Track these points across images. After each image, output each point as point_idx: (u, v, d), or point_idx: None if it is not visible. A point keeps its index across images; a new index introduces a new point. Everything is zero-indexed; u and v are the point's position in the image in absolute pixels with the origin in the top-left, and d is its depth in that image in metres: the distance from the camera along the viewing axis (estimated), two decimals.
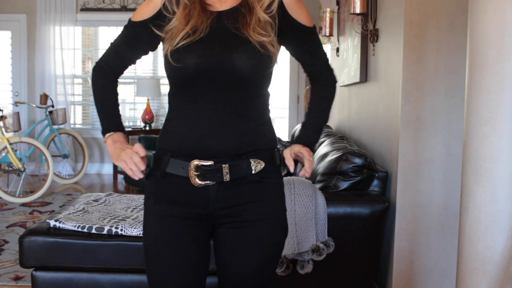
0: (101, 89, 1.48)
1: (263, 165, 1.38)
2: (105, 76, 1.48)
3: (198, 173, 1.34)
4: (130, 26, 1.43)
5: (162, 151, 1.40)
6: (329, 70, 1.54)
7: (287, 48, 1.48)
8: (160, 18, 1.38)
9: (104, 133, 1.45)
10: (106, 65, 1.48)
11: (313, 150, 1.51)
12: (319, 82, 1.53)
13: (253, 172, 1.37)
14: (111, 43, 1.49)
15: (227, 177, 1.34)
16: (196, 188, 1.36)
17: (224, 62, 1.31)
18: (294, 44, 1.45)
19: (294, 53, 1.49)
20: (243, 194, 1.38)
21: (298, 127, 4.47)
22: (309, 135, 1.51)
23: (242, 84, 1.34)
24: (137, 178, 1.37)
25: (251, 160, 1.36)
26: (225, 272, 1.44)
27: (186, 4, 1.35)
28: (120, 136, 1.44)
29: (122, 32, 1.46)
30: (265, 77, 1.39)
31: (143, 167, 1.35)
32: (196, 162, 1.34)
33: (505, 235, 1.36)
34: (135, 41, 1.44)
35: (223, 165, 1.34)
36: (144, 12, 1.40)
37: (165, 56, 1.36)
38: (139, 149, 1.34)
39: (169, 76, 1.39)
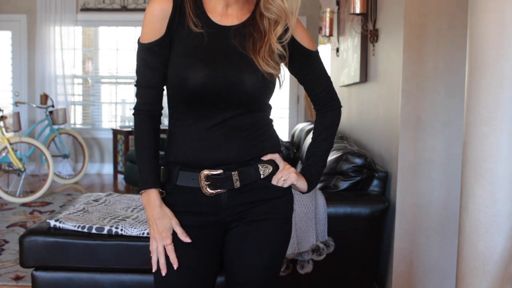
0: (142, 134, 1.39)
1: (271, 169, 1.41)
2: (149, 117, 1.39)
3: (209, 182, 1.35)
4: (143, 50, 1.36)
5: (170, 164, 1.40)
6: (333, 95, 1.52)
7: (290, 71, 1.48)
8: (165, 42, 1.35)
9: (140, 187, 1.40)
10: (145, 104, 1.39)
11: (319, 177, 1.52)
12: (323, 108, 1.52)
13: (262, 176, 1.39)
14: (137, 81, 1.40)
15: (237, 184, 1.36)
16: (207, 196, 1.37)
17: (231, 84, 1.31)
18: (297, 67, 1.46)
19: (297, 76, 1.49)
20: (252, 198, 1.40)
21: (299, 127, 4.48)
22: (315, 163, 1.51)
23: (246, 102, 1.35)
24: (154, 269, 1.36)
25: (259, 165, 1.39)
26: (233, 273, 1.43)
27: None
28: (155, 195, 1.38)
29: (139, 60, 1.38)
30: (270, 94, 1.41)
31: (171, 259, 1.35)
32: (206, 172, 1.35)
33: (505, 235, 1.36)
34: (154, 60, 1.35)
35: (232, 173, 1.35)
36: (154, 32, 1.34)
37: (170, 78, 1.34)
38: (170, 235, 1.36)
39: (172, 92, 1.37)
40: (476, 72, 1.39)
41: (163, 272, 1.34)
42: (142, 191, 1.38)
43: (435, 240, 2.48)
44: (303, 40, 1.43)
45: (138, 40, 1.37)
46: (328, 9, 4.07)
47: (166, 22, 1.33)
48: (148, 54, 1.35)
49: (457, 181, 2.39)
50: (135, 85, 1.40)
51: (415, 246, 2.49)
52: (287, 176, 1.42)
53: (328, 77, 1.52)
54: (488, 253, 1.37)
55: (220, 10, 1.36)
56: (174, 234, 1.37)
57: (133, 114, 1.41)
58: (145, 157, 1.38)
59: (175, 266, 1.34)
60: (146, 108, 1.39)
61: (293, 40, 1.40)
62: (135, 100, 1.42)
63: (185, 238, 1.35)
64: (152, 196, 1.37)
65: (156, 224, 1.36)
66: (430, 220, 2.47)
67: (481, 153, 1.38)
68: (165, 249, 1.35)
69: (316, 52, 1.47)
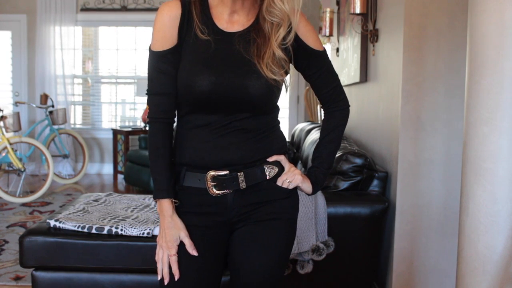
0: (157, 143, 1.39)
1: (277, 170, 1.42)
2: (163, 125, 1.39)
3: (215, 183, 1.36)
4: (155, 57, 1.36)
5: (177, 165, 1.41)
6: (340, 94, 1.52)
7: (296, 69, 1.48)
8: (178, 49, 1.36)
9: (153, 196, 1.41)
10: (161, 112, 1.38)
11: (325, 179, 1.51)
12: (330, 107, 1.51)
13: (267, 177, 1.40)
14: (150, 89, 1.39)
15: (243, 185, 1.37)
16: (214, 197, 1.38)
17: (236, 90, 1.32)
18: (302, 66, 1.45)
19: (304, 75, 1.49)
20: (258, 198, 1.41)
21: (299, 127, 4.48)
22: (320, 165, 1.50)
23: (253, 106, 1.36)
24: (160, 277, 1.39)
25: (264, 166, 1.39)
26: (238, 272, 1.44)
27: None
28: (168, 205, 1.38)
29: (151, 67, 1.37)
30: (276, 98, 1.41)
31: (174, 270, 1.37)
32: (212, 172, 1.36)
33: (505, 235, 1.36)
34: (169, 67, 1.36)
35: (238, 174, 1.36)
36: (165, 39, 1.35)
37: (178, 83, 1.35)
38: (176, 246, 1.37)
39: (179, 96, 1.37)
40: (476, 72, 1.39)
41: (166, 281, 1.36)
42: (156, 200, 1.40)
43: (435, 240, 2.48)
44: (308, 39, 1.41)
45: (150, 47, 1.37)
46: (328, 9, 4.07)
47: (177, 29, 1.35)
48: (161, 61, 1.35)
49: (457, 181, 2.39)
50: (147, 94, 1.40)
51: (415, 246, 2.49)
52: (292, 178, 1.43)
53: (336, 77, 1.51)
54: (488, 253, 1.37)
55: (227, 17, 1.37)
56: (182, 245, 1.38)
57: (148, 123, 1.41)
58: (160, 166, 1.39)
59: (176, 277, 1.35)
60: (162, 116, 1.38)
61: (297, 39, 1.39)
62: (150, 108, 1.40)
63: (193, 251, 1.36)
64: (165, 206, 1.38)
65: (165, 233, 1.37)
66: (430, 220, 2.47)
67: (481, 153, 1.38)
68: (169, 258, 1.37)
69: (322, 52, 1.45)
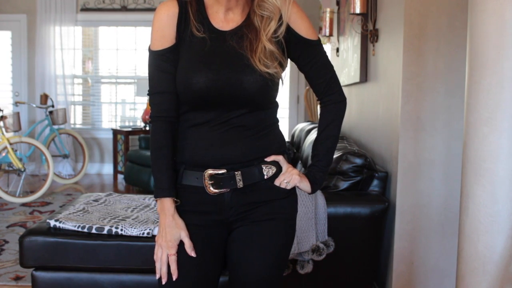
0: (159, 142, 1.39)
1: (275, 170, 1.42)
2: (166, 124, 1.39)
3: (212, 181, 1.37)
4: (155, 57, 1.37)
5: (176, 164, 1.41)
6: (334, 87, 1.48)
7: (291, 60, 1.47)
8: (177, 48, 1.37)
9: (154, 195, 1.40)
10: (163, 110, 1.38)
11: (324, 177, 1.49)
12: (323, 100, 1.48)
13: (265, 177, 1.40)
14: (151, 89, 1.39)
15: (240, 184, 1.37)
16: (211, 196, 1.38)
17: (232, 85, 1.32)
18: (295, 56, 1.44)
19: (298, 66, 1.48)
20: (256, 198, 1.40)
21: (299, 127, 4.48)
22: (318, 163, 1.49)
23: (249, 101, 1.36)
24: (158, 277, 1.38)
25: (262, 165, 1.39)
26: (237, 272, 1.44)
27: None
28: (169, 204, 1.38)
29: (152, 67, 1.38)
30: (273, 92, 1.40)
31: (172, 270, 1.36)
32: (210, 171, 1.36)
33: (505, 235, 1.36)
34: (169, 65, 1.37)
35: (236, 173, 1.36)
36: (164, 38, 1.36)
37: (176, 82, 1.36)
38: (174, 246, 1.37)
39: (178, 93, 1.38)
40: (476, 72, 1.39)
41: (164, 280, 1.36)
42: (157, 198, 1.39)
43: (435, 240, 2.48)
44: (299, 27, 1.40)
45: (149, 48, 1.38)
46: (328, 9, 4.07)
47: (175, 27, 1.36)
48: (161, 60, 1.36)
49: (457, 181, 2.39)
50: (148, 94, 1.40)
51: (415, 246, 2.49)
52: (289, 178, 1.43)
53: (331, 68, 1.47)
54: (488, 253, 1.37)
55: (222, 16, 1.38)
56: (181, 244, 1.38)
57: (150, 122, 1.41)
58: (162, 165, 1.38)
59: (174, 277, 1.35)
60: (164, 115, 1.39)
61: (288, 29, 1.39)
62: (152, 108, 1.40)
63: (191, 252, 1.36)
64: (166, 205, 1.38)
65: (166, 232, 1.37)
66: (430, 220, 2.47)
67: (481, 153, 1.38)
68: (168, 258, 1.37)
69: (316, 41, 1.43)
